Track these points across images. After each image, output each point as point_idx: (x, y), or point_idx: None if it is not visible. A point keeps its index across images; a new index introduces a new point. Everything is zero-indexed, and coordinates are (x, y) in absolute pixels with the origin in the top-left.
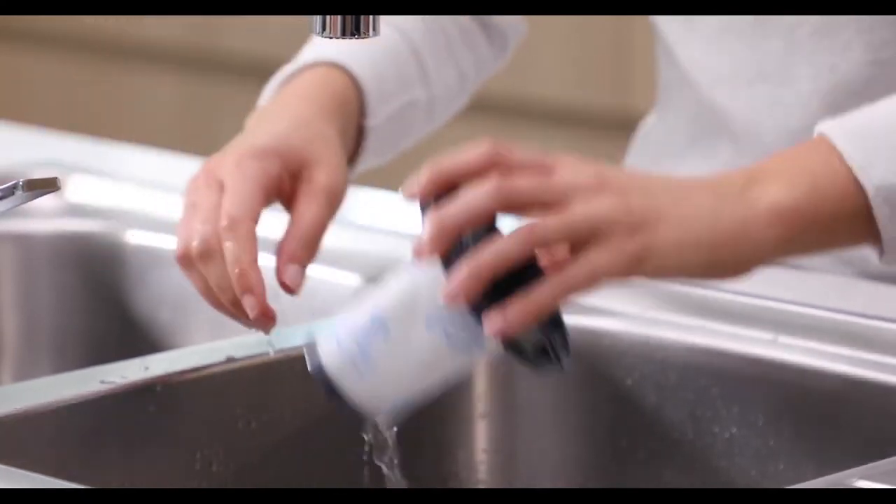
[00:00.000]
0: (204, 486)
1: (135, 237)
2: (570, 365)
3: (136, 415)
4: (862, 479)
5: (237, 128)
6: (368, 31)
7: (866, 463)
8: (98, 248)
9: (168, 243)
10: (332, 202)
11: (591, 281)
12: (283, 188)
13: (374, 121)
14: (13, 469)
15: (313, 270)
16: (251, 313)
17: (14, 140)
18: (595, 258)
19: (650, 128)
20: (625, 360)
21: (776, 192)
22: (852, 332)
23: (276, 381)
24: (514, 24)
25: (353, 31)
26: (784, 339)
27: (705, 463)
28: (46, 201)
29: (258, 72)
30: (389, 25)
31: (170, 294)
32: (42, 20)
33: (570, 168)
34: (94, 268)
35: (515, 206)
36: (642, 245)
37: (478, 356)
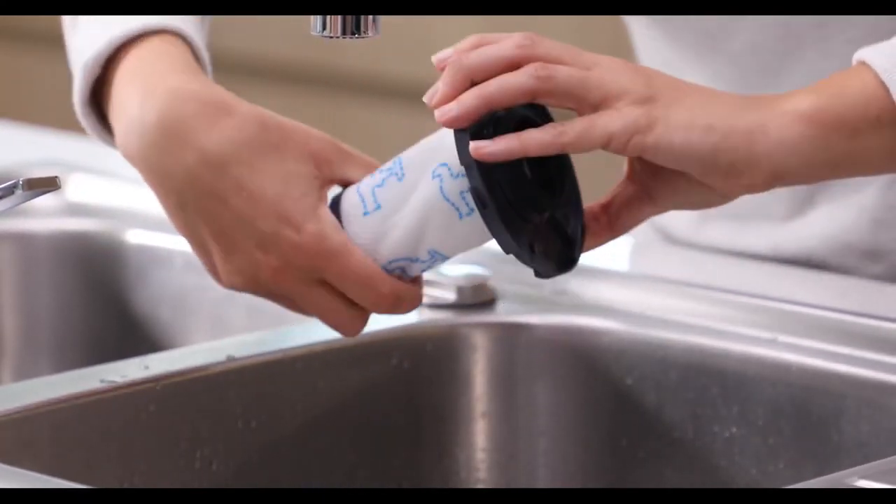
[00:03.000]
0: (204, 485)
1: (135, 236)
2: (572, 263)
3: (136, 414)
4: (862, 479)
5: None
6: (369, 30)
7: (866, 462)
8: (98, 248)
9: (168, 242)
10: None
11: (587, 134)
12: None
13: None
14: (13, 468)
15: None
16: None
17: (14, 139)
18: (596, 116)
19: None
20: (625, 359)
21: (798, 97)
22: (852, 331)
23: (276, 381)
24: None
25: (354, 30)
26: (784, 338)
27: (705, 462)
28: (46, 200)
29: (257, 71)
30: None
31: (170, 293)
32: (42, 20)
33: (609, 64)
34: (94, 267)
35: (556, 92)
36: (649, 113)
37: (464, 216)
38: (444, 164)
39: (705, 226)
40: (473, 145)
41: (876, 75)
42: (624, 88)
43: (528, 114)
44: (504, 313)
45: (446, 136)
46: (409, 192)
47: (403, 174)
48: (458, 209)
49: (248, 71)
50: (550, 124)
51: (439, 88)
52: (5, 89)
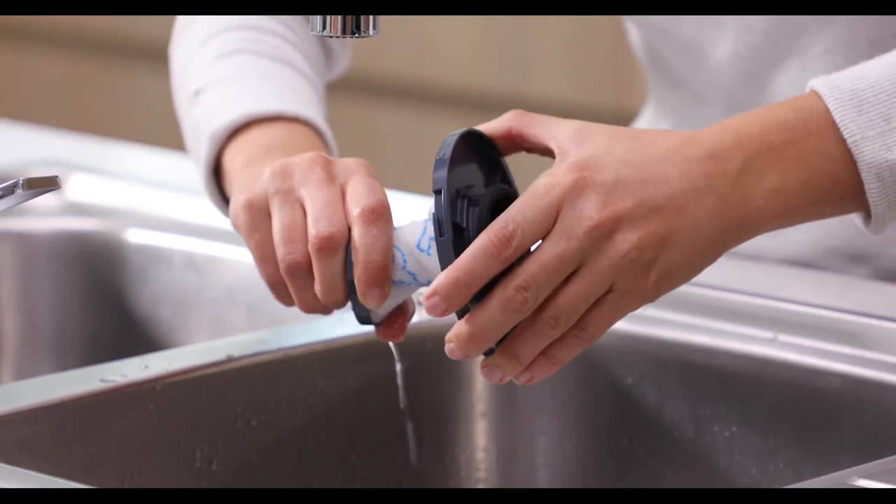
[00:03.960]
0: (204, 484)
1: (135, 236)
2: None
3: (136, 413)
4: (862, 478)
5: None
6: (369, 29)
7: (866, 462)
8: (98, 247)
9: (168, 242)
10: None
11: (608, 327)
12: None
13: None
14: (13, 468)
15: None
16: (374, 305)
17: (14, 139)
18: (612, 309)
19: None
20: (625, 358)
21: (772, 182)
22: (852, 330)
23: (275, 380)
24: (346, 52)
25: (354, 29)
26: (784, 337)
27: (705, 462)
28: (46, 200)
29: None
30: (298, 72)
31: (169, 292)
32: (42, 20)
33: (575, 208)
34: (94, 266)
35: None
36: (657, 277)
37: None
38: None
39: None
40: (519, 380)
41: (847, 152)
42: (625, 272)
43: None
44: None
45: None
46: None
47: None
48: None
49: None
50: (570, 336)
51: (441, 302)
52: (5, 89)
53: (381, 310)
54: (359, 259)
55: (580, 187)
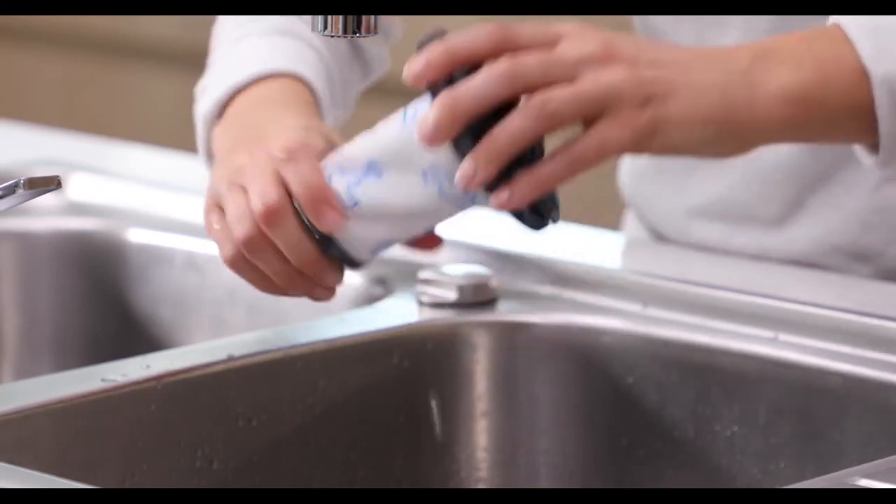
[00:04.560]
0: (204, 484)
1: (135, 235)
2: (558, 218)
3: (137, 413)
4: (863, 478)
5: None
6: (370, 29)
7: (868, 461)
8: (99, 247)
9: (169, 241)
10: None
11: (600, 154)
12: None
13: None
14: (13, 467)
15: None
16: (333, 225)
17: (15, 138)
18: (604, 131)
19: None
20: (625, 358)
21: (784, 75)
22: (853, 330)
23: (277, 379)
24: (383, 56)
25: (355, 29)
26: (785, 337)
27: (706, 462)
28: (47, 200)
29: None
30: (309, 46)
31: (171, 292)
32: (42, 20)
33: (577, 39)
34: (94, 266)
35: (527, 87)
36: (652, 118)
37: (466, 208)
38: (438, 169)
39: (693, 228)
40: (496, 202)
41: (857, 60)
42: (619, 92)
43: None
44: (505, 312)
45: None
46: (392, 192)
47: (382, 172)
48: (459, 204)
49: None
50: (561, 152)
51: (433, 124)
52: (5, 89)
53: (361, 240)
54: (298, 194)
55: (587, 30)
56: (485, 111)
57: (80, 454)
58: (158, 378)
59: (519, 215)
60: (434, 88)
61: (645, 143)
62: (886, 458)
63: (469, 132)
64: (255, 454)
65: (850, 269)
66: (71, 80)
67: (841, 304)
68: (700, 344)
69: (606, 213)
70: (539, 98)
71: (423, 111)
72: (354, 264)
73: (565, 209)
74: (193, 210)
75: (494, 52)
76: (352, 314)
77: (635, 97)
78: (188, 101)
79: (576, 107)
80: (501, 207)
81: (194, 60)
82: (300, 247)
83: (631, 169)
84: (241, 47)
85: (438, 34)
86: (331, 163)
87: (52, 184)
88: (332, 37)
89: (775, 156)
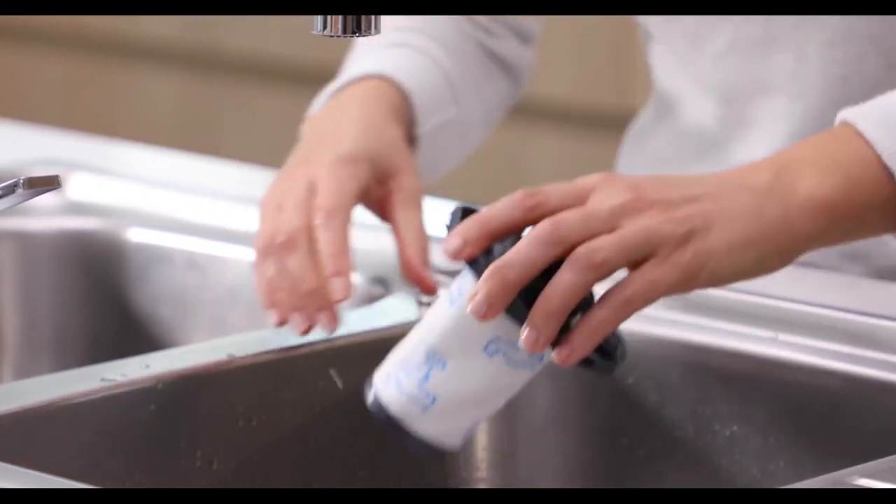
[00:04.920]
0: (204, 484)
1: (135, 235)
2: (625, 352)
3: (137, 413)
4: (862, 478)
5: (236, 126)
6: (370, 29)
7: (867, 461)
8: (99, 246)
9: (169, 241)
10: (421, 207)
11: (650, 297)
12: (372, 193)
13: (421, 130)
14: (13, 467)
15: None
16: (339, 295)
17: (15, 138)
18: (652, 273)
19: (646, 131)
20: (627, 357)
21: (811, 184)
22: (852, 329)
23: (276, 380)
24: (525, 60)
25: (354, 29)
26: (784, 336)
27: (706, 461)
28: (47, 199)
29: (258, 71)
30: (420, 52)
31: (170, 292)
32: (42, 20)
33: (606, 190)
34: (94, 266)
35: (571, 246)
36: (696, 253)
37: (538, 368)
38: (498, 340)
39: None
40: (560, 360)
41: (878, 159)
42: (660, 234)
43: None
44: None
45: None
46: (462, 377)
47: (446, 361)
48: (530, 367)
49: (249, 70)
50: (612, 297)
51: (484, 300)
52: (5, 89)
53: (449, 433)
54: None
55: (612, 180)
56: (533, 276)
57: (80, 454)
58: (158, 378)
59: (588, 363)
60: (473, 263)
61: (693, 279)
62: (886, 458)
63: (521, 297)
64: (254, 454)
65: (841, 268)
66: (71, 80)
67: (840, 303)
68: (700, 344)
69: None
70: (585, 250)
71: (468, 287)
72: (447, 452)
73: None
74: (194, 209)
75: (528, 221)
76: (352, 314)
77: (676, 236)
78: (188, 100)
79: (621, 253)
80: (567, 363)
81: (194, 60)
82: (305, 274)
83: (625, 166)
84: (354, 57)
85: (466, 211)
86: (393, 363)
87: (51, 183)
88: (332, 37)
89: (767, 153)
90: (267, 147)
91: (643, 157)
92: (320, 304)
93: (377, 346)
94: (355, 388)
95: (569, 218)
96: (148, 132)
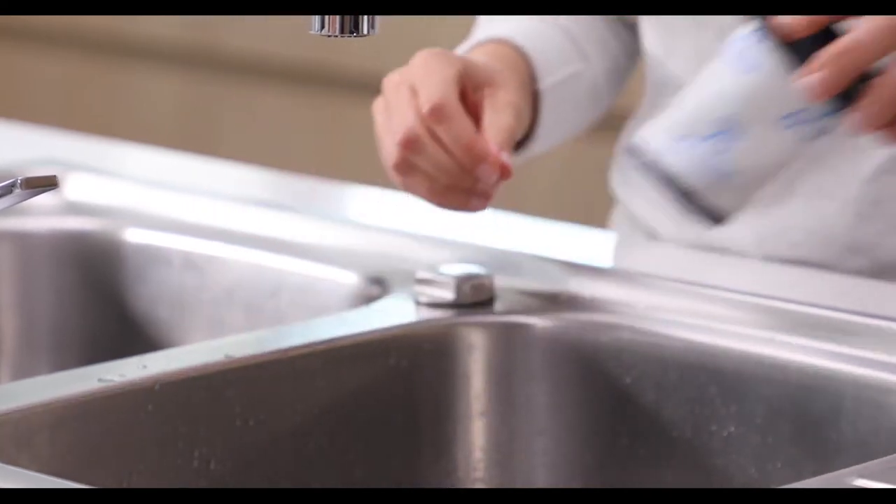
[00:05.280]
0: (202, 484)
1: (133, 235)
2: None
3: (135, 413)
4: (860, 478)
5: (236, 125)
6: (368, 29)
7: (866, 461)
8: (97, 247)
9: (167, 241)
10: (520, 121)
11: None
12: (467, 93)
13: (544, 84)
14: (12, 467)
15: (311, 269)
16: (491, 178)
17: (12, 138)
18: None
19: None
20: (623, 357)
21: None
22: (851, 329)
23: (274, 380)
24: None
25: (352, 29)
26: (782, 336)
27: (704, 461)
28: (45, 199)
29: (257, 71)
30: (537, 18)
31: (168, 292)
32: (42, 20)
33: None
34: (92, 266)
35: None
36: None
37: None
38: (796, 112)
39: (689, 222)
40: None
41: None
42: None
43: None
44: (502, 312)
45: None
46: (763, 149)
47: (746, 130)
48: (811, 139)
49: (249, 70)
50: None
51: (821, 83)
52: (4, 88)
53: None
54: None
55: None
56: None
57: (78, 454)
58: (156, 378)
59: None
60: (768, 30)
61: None
62: (884, 458)
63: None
64: (252, 454)
65: (843, 261)
66: (70, 79)
67: (839, 303)
68: (698, 344)
69: (603, 213)
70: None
71: (761, 56)
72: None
73: (560, 210)
74: (191, 210)
75: None
76: (349, 314)
77: None
78: (187, 100)
79: None
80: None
81: (194, 60)
82: (468, 137)
83: (618, 166)
84: (482, 27)
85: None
86: (675, 126)
87: (49, 183)
88: (330, 37)
89: None
90: (266, 147)
91: None
92: (470, 190)
93: (375, 347)
94: (353, 389)
95: None
96: (147, 132)
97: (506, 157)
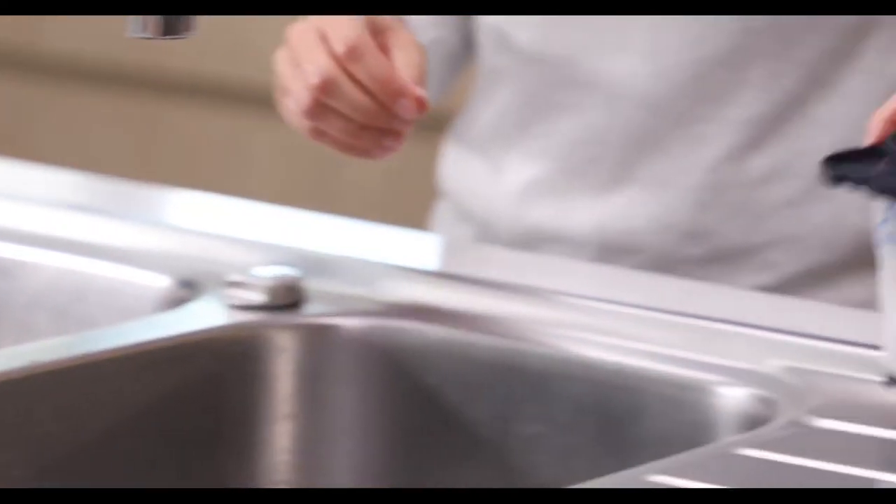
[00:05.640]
0: None
1: None
2: None
3: None
4: (657, 475)
5: (54, 129)
6: (185, 30)
7: (664, 457)
8: None
9: None
10: (425, 57)
11: None
12: (373, 36)
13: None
14: None
15: (121, 272)
16: (410, 112)
17: None
18: None
19: (468, 124)
20: (429, 358)
21: None
22: (652, 326)
23: (81, 385)
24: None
25: (171, 31)
26: (588, 335)
27: (509, 460)
28: None
29: (75, 72)
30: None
31: None
32: None
33: None
34: None
35: None
36: None
37: None
38: None
39: (527, 209)
40: None
41: None
42: None
43: None
44: (311, 315)
45: None
46: None
47: None
48: None
49: (66, 72)
50: None
51: None
52: None
53: None
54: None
55: None
56: None
57: None
58: None
59: None
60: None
61: None
62: (680, 455)
63: None
64: (59, 460)
65: (682, 248)
66: None
67: (641, 301)
68: (503, 344)
69: (426, 214)
70: None
71: None
72: None
73: (383, 212)
74: (1, 214)
75: None
76: (158, 318)
77: None
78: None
79: None
80: None
81: (10, 61)
82: (385, 73)
83: (452, 158)
84: None
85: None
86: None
87: None
88: (149, 39)
89: (608, 115)
90: (81, 151)
91: (468, 149)
92: (383, 130)
93: (184, 351)
94: (161, 393)
95: None
96: None
97: (421, 91)
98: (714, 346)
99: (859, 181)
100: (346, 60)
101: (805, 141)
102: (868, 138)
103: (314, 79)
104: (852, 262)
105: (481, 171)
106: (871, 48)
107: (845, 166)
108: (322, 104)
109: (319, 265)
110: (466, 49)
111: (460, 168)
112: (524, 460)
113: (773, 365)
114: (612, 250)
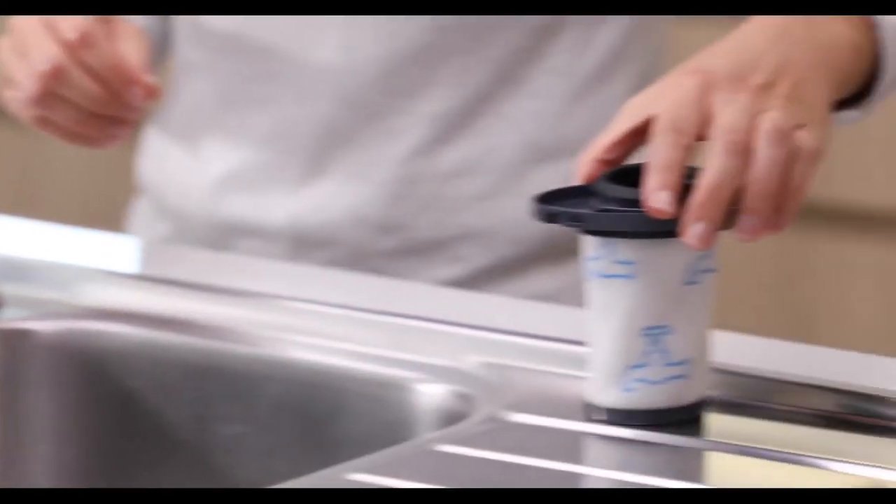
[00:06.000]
0: None
1: None
2: None
3: None
4: (357, 473)
5: None
6: None
7: (364, 455)
8: None
9: None
10: (148, 46)
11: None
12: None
13: None
14: None
15: None
16: (140, 99)
17: None
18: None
19: (167, 114)
20: (128, 361)
21: (845, 32)
22: (352, 326)
23: None
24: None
25: None
26: (290, 336)
27: (208, 461)
28: None
29: None
30: None
31: None
32: None
33: (723, 98)
34: None
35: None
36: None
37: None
38: (687, 269)
39: (223, 202)
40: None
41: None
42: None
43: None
44: (7, 319)
45: None
46: (690, 325)
47: (669, 326)
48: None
49: None
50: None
51: (707, 228)
52: None
53: None
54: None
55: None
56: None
57: None
58: None
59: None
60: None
61: (794, 103)
62: (379, 453)
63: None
64: None
65: (375, 241)
66: None
67: (340, 300)
68: (204, 346)
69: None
70: (731, 137)
71: (626, 251)
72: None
73: (83, 215)
74: None
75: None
76: None
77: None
78: None
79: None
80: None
81: None
82: (116, 60)
83: (151, 148)
84: None
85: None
86: (613, 372)
87: None
88: None
89: (301, 109)
90: None
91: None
92: (114, 119)
93: None
94: None
95: (739, 128)
96: None
97: (151, 78)
98: (413, 344)
99: (572, 219)
100: (78, 48)
101: (494, 137)
102: (577, 178)
103: (43, 66)
104: (540, 256)
105: (180, 160)
106: (559, 48)
107: (557, 204)
108: (50, 92)
109: (16, 270)
110: (165, 39)
111: (159, 158)
112: (224, 460)
113: (471, 361)
114: (307, 244)
